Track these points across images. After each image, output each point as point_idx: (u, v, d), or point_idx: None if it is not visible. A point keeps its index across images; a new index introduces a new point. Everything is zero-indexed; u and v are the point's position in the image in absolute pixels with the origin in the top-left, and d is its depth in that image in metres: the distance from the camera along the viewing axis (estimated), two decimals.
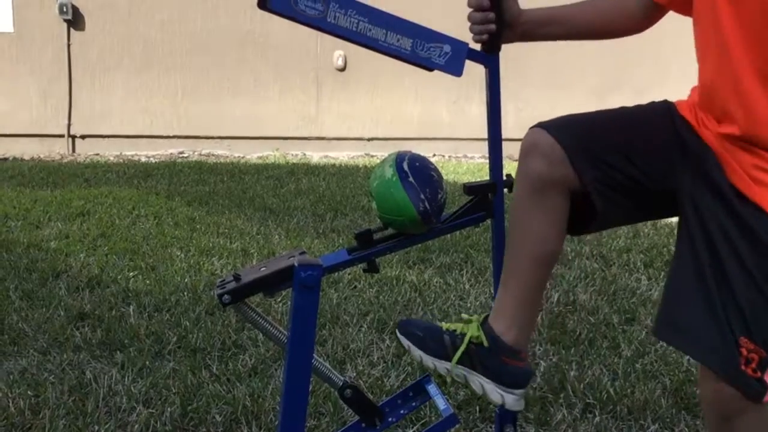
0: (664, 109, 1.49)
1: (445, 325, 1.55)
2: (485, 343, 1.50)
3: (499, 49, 1.56)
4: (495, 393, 1.50)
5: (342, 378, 1.63)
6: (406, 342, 1.57)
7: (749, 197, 1.34)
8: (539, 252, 1.49)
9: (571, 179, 1.43)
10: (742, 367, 1.32)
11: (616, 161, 1.43)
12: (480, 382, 1.51)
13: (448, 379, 1.57)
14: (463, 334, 1.52)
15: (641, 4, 1.55)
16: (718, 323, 1.33)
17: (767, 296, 1.31)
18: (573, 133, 1.44)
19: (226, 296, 1.48)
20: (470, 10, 1.55)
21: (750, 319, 1.31)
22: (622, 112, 1.52)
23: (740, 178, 1.35)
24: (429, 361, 1.54)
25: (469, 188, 1.61)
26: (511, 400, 1.50)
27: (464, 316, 1.58)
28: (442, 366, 1.53)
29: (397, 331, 1.61)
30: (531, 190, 1.45)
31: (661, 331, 1.47)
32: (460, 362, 1.51)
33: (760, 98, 1.32)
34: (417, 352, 1.55)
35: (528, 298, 1.52)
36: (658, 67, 7.41)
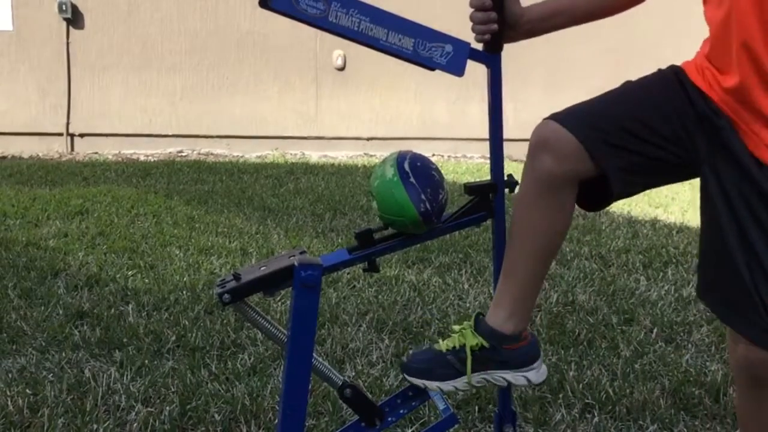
0: (673, 76, 1.48)
1: (443, 346, 1.57)
2: (486, 344, 1.52)
3: (501, 48, 1.56)
4: (518, 378, 1.54)
5: (341, 377, 1.63)
6: (419, 382, 1.57)
7: (764, 161, 1.34)
8: (543, 247, 1.50)
9: (583, 170, 1.43)
10: None
11: (633, 145, 1.42)
12: (501, 376, 1.54)
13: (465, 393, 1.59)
14: (463, 346, 1.54)
15: None
16: (744, 288, 1.36)
17: None
18: (588, 124, 1.43)
19: (226, 295, 1.48)
20: (472, 9, 1.55)
21: None
22: (631, 90, 1.50)
23: (754, 143, 1.36)
24: (448, 386, 1.55)
25: (470, 188, 1.61)
26: (533, 375, 1.55)
27: (455, 327, 1.60)
28: (461, 383, 1.55)
29: (404, 375, 1.61)
30: (539, 186, 1.45)
31: (700, 292, 1.51)
32: (473, 371, 1.53)
33: (762, 46, 1.31)
34: (434, 384, 1.56)
35: (528, 290, 1.54)
36: (657, 66, 7.40)
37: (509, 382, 1.55)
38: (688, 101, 1.43)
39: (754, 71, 1.33)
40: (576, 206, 1.54)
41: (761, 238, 1.34)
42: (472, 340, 1.53)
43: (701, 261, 1.49)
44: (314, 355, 1.52)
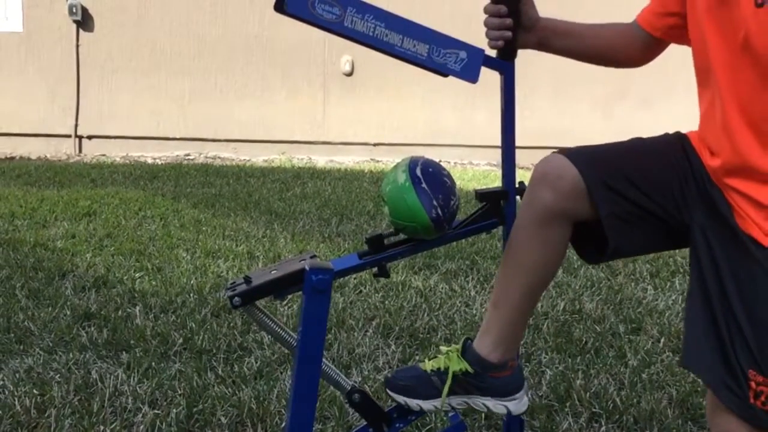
0: (679, 142, 1.50)
1: (428, 366, 1.58)
2: (470, 370, 1.54)
3: (515, 56, 1.57)
4: (498, 406, 1.56)
5: (350, 382, 1.63)
6: (401, 398, 1.58)
7: (753, 237, 1.34)
8: (534, 280, 1.51)
9: (579, 210, 1.43)
10: (752, 401, 1.32)
11: (632, 194, 1.43)
12: (481, 402, 1.57)
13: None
14: (447, 368, 1.56)
15: (642, 37, 1.58)
16: (726, 355, 1.35)
17: None
18: (593, 165, 1.43)
19: (236, 298, 1.48)
20: (486, 16, 1.55)
21: (758, 353, 1.31)
22: (639, 145, 1.52)
23: (741, 219, 1.36)
24: (428, 405, 1.57)
25: (481, 195, 1.61)
26: (513, 405, 1.56)
27: (442, 348, 1.62)
28: (440, 404, 1.57)
29: (387, 391, 1.61)
30: (535, 219, 1.46)
31: (683, 357, 1.49)
32: (453, 393, 1.55)
33: (743, 134, 1.33)
34: (414, 402, 1.57)
35: (516, 321, 1.55)
36: (664, 77, 7.40)
37: (488, 408, 1.56)
38: (689, 165, 1.45)
39: (733, 155, 1.35)
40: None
41: (744, 310, 1.33)
42: (457, 364, 1.55)
43: (685, 323, 1.47)
44: (323, 359, 1.53)
